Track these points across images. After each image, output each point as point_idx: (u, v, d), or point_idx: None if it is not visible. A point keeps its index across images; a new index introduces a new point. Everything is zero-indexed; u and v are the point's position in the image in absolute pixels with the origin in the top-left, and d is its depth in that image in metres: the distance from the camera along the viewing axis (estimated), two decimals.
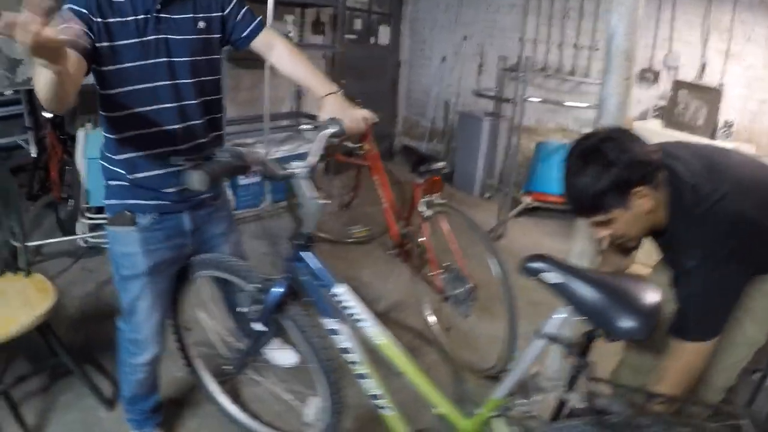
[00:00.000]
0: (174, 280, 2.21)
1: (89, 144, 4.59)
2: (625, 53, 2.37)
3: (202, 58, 1.93)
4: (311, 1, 6.22)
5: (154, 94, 1.82)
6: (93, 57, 1.66)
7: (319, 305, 1.83)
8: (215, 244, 2.23)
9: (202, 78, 1.95)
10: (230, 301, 2.44)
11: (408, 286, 3.77)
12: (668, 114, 5.33)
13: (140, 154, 1.88)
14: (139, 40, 1.75)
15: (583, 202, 1.75)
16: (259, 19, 2.09)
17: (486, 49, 7.35)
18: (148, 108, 1.82)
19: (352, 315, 1.84)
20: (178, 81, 1.86)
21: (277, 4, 4.88)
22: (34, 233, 4.43)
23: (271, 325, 1.99)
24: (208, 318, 2.58)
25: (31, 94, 5.52)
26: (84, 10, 1.62)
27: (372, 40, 7.98)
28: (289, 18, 5.99)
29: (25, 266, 2.65)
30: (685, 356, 1.78)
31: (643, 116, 5.58)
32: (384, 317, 3.64)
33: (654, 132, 5.00)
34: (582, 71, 6.40)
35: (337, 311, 1.77)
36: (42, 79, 1.36)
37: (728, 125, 5.16)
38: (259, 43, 2.08)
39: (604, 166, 1.65)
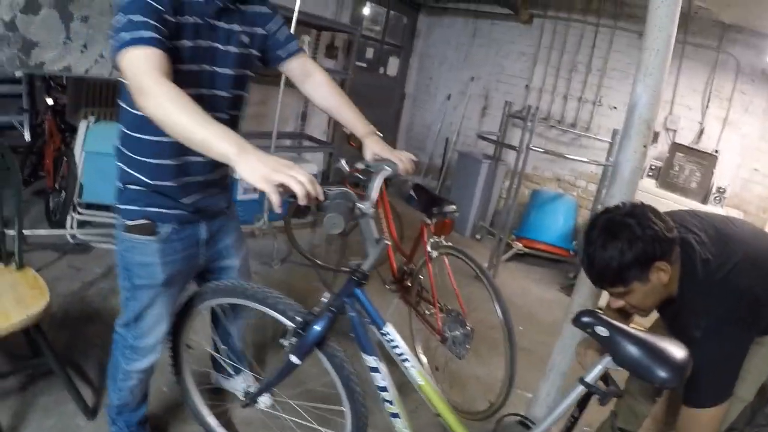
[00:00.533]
0: (182, 292, 2.18)
1: (90, 137, 4.53)
2: (646, 122, 2.42)
3: (240, 72, 1.94)
4: (329, 25, 6.29)
5: (200, 101, 1.78)
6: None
7: (362, 342, 1.83)
8: (226, 255, 2.23)
9: (235, 92, 1.95)
10: (225, 326, 2.42)
11: (402, 322, 3.76)
12: (663, 174, 5.43)
13: (168, 162, 1.84)
14: (193, 43, 1.74)
15: (606, 275, 1.78)
16: (297, 41, 2.09)
17: (491, 93, 7.51)
18: None
19: (400, 355, 1.90)
20: (215, 91, 1.87)
21: (297, 23, 4.92)
22: (23, 221, 4.36)
23: (306, 359, 1.97)
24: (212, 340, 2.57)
25: (32, 76, 5.50)
26: (159, 6, 1.57)
27: (381, 69, 8.10)
28: (306, 39, 6.03)
29: (18, 259, 2.55)
30: (705, 421, 1.80)
31: None
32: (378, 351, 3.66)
33: (647, 191, 5.09)
34: (584, 125, 6.57)
35: (376, 349, 1.77)
36: (191, 135, 1.40)
37: (721, 191, 5.29)
38: (294, 67, 2.09)
39: (630, 241, 1.69)
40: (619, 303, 1.87)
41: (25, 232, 2.97)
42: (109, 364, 2.26)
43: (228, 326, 2.43)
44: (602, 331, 1.61)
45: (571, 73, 6.69)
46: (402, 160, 1.92)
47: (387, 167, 1.88)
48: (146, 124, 1.68)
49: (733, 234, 1.96)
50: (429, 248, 3.26)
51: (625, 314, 2.20)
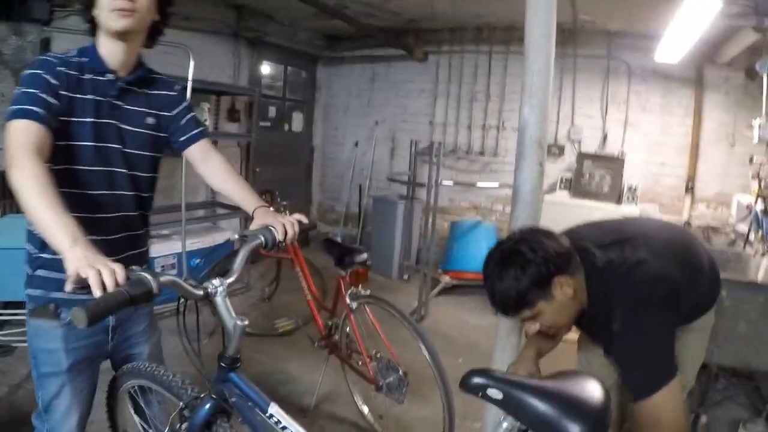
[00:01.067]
0: (94, 381, 2.08)
1: None
2: (537, 142, 2.46)
3: (145, 153, 1.93)
4: (228, 90, 6.29)
5: (93, 179, 1.79)
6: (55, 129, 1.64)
7: (251, 425, 1.68)
8: (135, 342, 2.14)
9: (140, 173, 1.93)
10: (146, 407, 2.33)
11: (337, 377, 3.71)
12: (575, 184, 5.58)
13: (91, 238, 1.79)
14: (95, 120, 1.76)
15: (509, 304, 1.80)
16: (202, 128, 2.09)
17: (397, 134, 7.63)
18: (87, 191, 1.79)
19: None
20: (115, 169, 1.84)
21: (193, 91, 4.88)
22: None
23: None
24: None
25: None
26: (55, 81, 1.64)
27: (286, 126, 8.11)
28: (205, 105, 6.00)
29: None
30: (660, 402, 1.72)
31: (551, 189, 5.82)
32: (316, 410, 3.60)
33: (562, 203, 5.22)
34: (491, 151, 6.75)
35: (270, 430, 1.67)
36: (39, 223, 1.42)
37: (632, 189, 5.50)
38: (194, 151, 2.06)
39: (522, 267, 1.72)
40: (535, 327, 1.87)
41: None
42: None
43: (146, 409, 2.33)
44: (495, 393, 1.42)
45: (471, 103, 6.87)
46: (284, 225, 1.83)
47: (260, 236, 1.78)
48: (64, 178, 1.69)
49: (634, 232, 2.02)
50: (348, 300, 3.25)
51: (548, 336, 2.18)
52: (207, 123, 5.98)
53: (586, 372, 1.75)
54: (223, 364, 1.68)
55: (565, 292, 1.77)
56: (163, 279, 1.38)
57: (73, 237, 1.35)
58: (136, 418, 2.22)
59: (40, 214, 1.39)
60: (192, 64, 4.68)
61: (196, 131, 2.05)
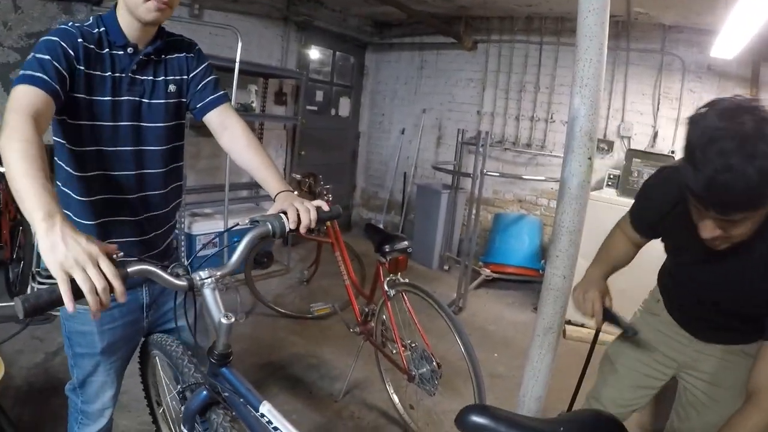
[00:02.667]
0: (129, 355, 2.10)
1: None
2: (587, 134, 2.37)
3: (170, 123, 1.86)
4: (275, 72, 6.28)
5: (118, 158, 1.74)
6: (62, 102, 1.55)
7: (246, 421, 1.59)
8: (168, 319, 2.11)
9: (167, 146, 1.87)
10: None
11: (370, 364, 3.70)
12: (623, 182, 5.43)
13: (95, 221, 1.76)
14: (113, 98, 1.68)
15: (738, 198, 1.34)
16: (221, 93, 1.95)
17: (444, 122, 7.52)
18: (111, 171, 1.74)
19: None
20: (143, 147, 1.79)
21: (241, 72, 4.89)
22: None
23: (194, 429, 1.81)
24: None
25: None
26: (71, 52, 1.56)
27: (333, 111, 8.09)
28: (252, 88, 6.02)
29: None
30: None
31: (598, 186, 5.67)
32: (346, 396, 3.59)
33: (609, 201, 5.09)
34: (538, 143, 6.58)
35: (264, 428, 1.58)
36: (15, 187, 1.26)
37: None
38: (213, 118, 1.93)
39: None
40: (717, 232, 1.47)
41: None
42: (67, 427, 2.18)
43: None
44: None
45: (520, 94, 6.72)
46: (299, 211, 1.64)
47: (267, 224, 1.60)
48: (74, 182, 1.67)
49: None
50: (386, 287, 3.21)
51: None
52: (254, 105, 6.01)
53: (604, 410, 1.62)
54: (213, 360, 1.60)
55: None
56: (131, 269, 1.29)
57: (47, 212, 1.17)
58: (164, 379, 2.24)
59: (19, 179, 1.24)
60: (240, 45, 4.69)
61: (213, 96, 1.92)
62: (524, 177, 5.85)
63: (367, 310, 3.55)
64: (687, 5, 4.98)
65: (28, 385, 3.35)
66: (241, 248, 1.55)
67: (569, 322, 4.77)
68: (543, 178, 5.83)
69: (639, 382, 2.12)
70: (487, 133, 5.50)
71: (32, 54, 1.51)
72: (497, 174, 5.73)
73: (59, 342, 3.91)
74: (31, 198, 1.19)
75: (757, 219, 1.40)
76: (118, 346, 1.97)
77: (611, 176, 5.69)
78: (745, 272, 1.58)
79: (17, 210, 4.81)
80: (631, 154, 5.49)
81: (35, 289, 4.28)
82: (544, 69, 6.53)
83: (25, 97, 1.43)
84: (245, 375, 1.59)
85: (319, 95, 7.78)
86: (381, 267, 3.32)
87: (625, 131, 5.98)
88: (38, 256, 4.38)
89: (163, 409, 2.42)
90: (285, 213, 1.61)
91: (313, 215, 1.63)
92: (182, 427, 1.79)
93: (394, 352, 3.24)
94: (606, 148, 6.03)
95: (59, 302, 1.10)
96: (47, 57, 1.50)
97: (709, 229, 1.46)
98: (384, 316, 3.34)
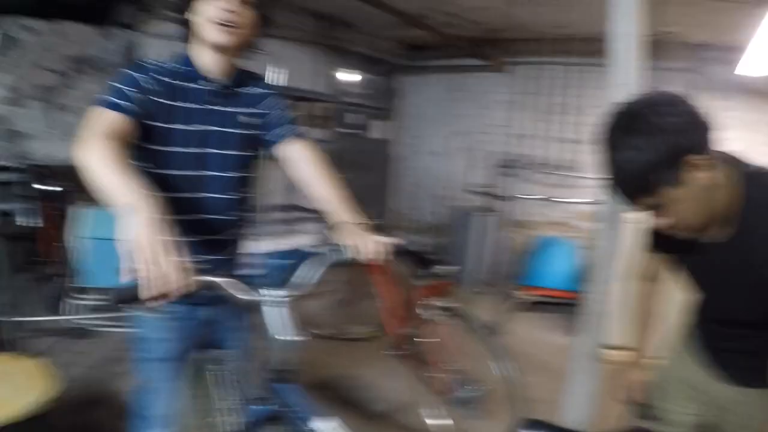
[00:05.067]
0: (190, 366, 2.17)
1: (85, 223, 4.56)
2: None
3: (240, 153, 1.93)
4: (309, 96, 6.35)
5: (186, 183, 1.83)
6: (135, 128, 1.66)
7: None
8: (228, 336, 2.20)
9: (235, 173, 1.93)
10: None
11: (409, 386, 3.68)
12: None
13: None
14: (187, 127, 1.78)
15: (627, 181, 1.45)
16: (295, 127, 2.00)
17: (476, 145, 7.54)
18: (178, 194, 1.81)
19: None
20: (209, 172, 1.87)
21: None
22: (20, 307, 4.28)
23: None
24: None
25: (27, 164, 5.61)
26: (146, 85, 1.68)
27: (366, 134, 8.16)
28: None
29: (20, 348, 2.72)
30: None
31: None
32: (385, 417, 3.58)
33: (643, 222, 5.04)
34: (569, 164, 6.56)
35: None
36: (103, 187, 1.39)
37: None
38: (285, 150, 1.98)
39: (649, 135, 1.36)
40: (661, 220, 1.52)
41: (26, 318, 2.95)
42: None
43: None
44: None
45: (550, 115, 6.74)
46: (367, 245, 1.70)
47: (336, 253, 1.69)
48: (155, 183, 1.73)
49: None
50: (426, 311, 3.21)
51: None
52: None
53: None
54: (270, 376, 1.65)
55: (699, 178, 1.39)
56: (203, 279, 1.35)
57: (135, 200, 1.31)
58: (217, 394, 2.29)
59: (102, 177, 1.38)
60: (276, 70, 4.75)
61: (286, 131, 1.98)
62: (556, 199, 5.84)
63: (406, 332, 3.55)
64: (715, 23, 4.98)
65: (69, 397, 3.39)
66: (310, 275, 1.63)
67: (608, 346, 4.70)
68: (575, 200, 5.80)
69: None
70: (520, 156, 5.50)
71: (112, 83, 1.65)
72: (528, 197, 5.71)
73: (100, 356, 4.05)
74: (116, 190, 1.34)
75: (680, 198, 1.42)
76: (179, 355, 2.06)
77: None
78: (747, 267, 1.51)
79: (60, 227, 4.93)
80: None
81: (75, 305, 4.49)
82: (572, 90, 6.55)
83: (101, 117, 1.57)
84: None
85: (352, 118, 7.86)
86: (420, 291, 3.32)
87: None
88: (78, 272, 4.48)
89: (212, 422, 2.46)
90: (354, 245, 1.67)
91: (381, 248, 1.69)
92: None
93: (433, 374, 3.24)
94: None
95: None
96: (123, 86, 1.63)
97: (654, 220, 1.53)
98: (423, 339, 3.34)
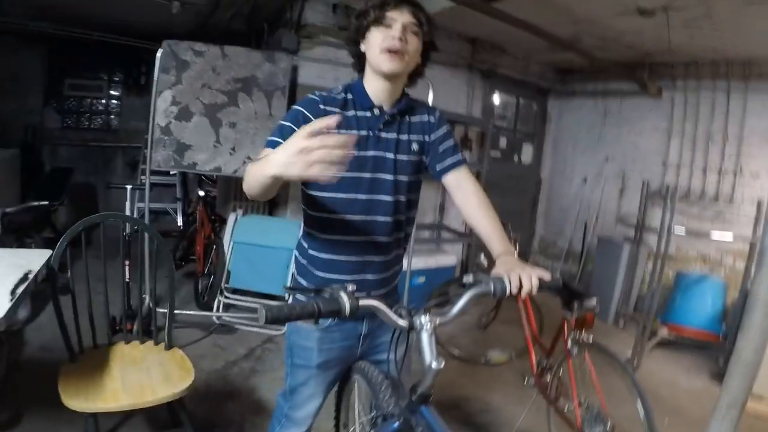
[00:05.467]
0: (339, 376, 2.30)
1: (238, 228, 4.94)
2: None
3: (408, 178, 2.02)
4: (461, 120, 6.49)
5: (356, 206, 1.94)
6: None
7: None
8: (383, 350, 2.26)
9: (402, 197, 2.02)
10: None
11: (539, 417, 3.65)
12: None
13: (331, 257, 2.00)
14: (360, 153, 1.88)
15: None
16: (459, 157, 2.09)
17: (628, 172, 7.34)
18: (344, 216, 1.94)
19: None
20: (379, 197, 1.96)
21: None
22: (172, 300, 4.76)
23: None
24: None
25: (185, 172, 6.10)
26: (312, 118, 1.79)
27: (515, 158, 8.18)
28: None
29: (167, 340, 2.85)
30: None
31: None
32: None
33: None
34: (726, 197, 6.21)
35: None
36: (256, 179, 1.51)
37: None
38: (450, 180, 2.07)
39: None
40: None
41: (175, 311, 3.21)
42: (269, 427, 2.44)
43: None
44: None
45: (708, 144, 6.39)
46: (521, 279, 1.69)
47: (491, 285, 1.67)
48: (314, 222, 1.98)
49: None
50: (569, 344, 3.19)
51: None
52: None
53: None
54: (413, 398, 1.70)
55: None
56: (362, 303, 1.42)
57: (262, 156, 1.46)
58: (358, 404, 2.39)
59: (251, 171, 1.55)
60: (431, 94, 4.87)
61: (452, 160, 2.06)
62: (713, 236, 5.56)
63: (545, 363, 3.53)
64: None
65: (206, 388, 3.71)
66: (462, 303, 1.65)
67: (757, 398, 4.42)
68: (731, 239, 5.50)
69: None
70: (676, 188, 5.28)
71: (280, 122, 1.84)
72: (683, 234, 5.46)
73: (239, 353, 4.36)
74: (263, 166, 1.43)
75: None
76: (331, 365, 2.18)
77: None
78: None
79: (213, 230, 5.29)
80: None
81: (221, 303, 4.84)
82: (732, 117, 6.17)
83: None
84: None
85: (503, 142, 7.91)
86: (566, 323, 3.29)
87: None
88: (228, 273, 4.81)
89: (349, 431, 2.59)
90: (506, 278, 1.68)
91: (535, 283, 1.68)
92: None
93: (567, 409, 3.20)
94: None
95: (295, 317, 1.29)
96: (288, 123, 1.80)
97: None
98: (562, 372, 3.32)
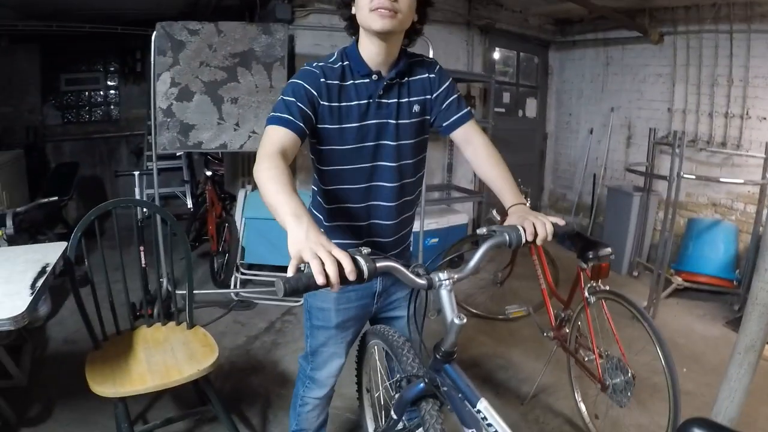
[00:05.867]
0: (357, 334, 2.36)
1: (248, 204, 4.96)
2: None
3: (415, 140, 2.02)
4: (463, 77, 6.51)
5: (360, 175, 1.96)
6: (308, 134, 1.82)
7: (459, 415, 1.70)
8: (396, 306, 2.33)
9: (408, 160, 2.03)
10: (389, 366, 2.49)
11: (559, 369, 3.68)
12: None
13: (339, 223, 2.05)
14: (360, 124, 1.89)
15: None
16: (465, 111, 2.06)
17: (634, 121, 7.29)
18: (351, 186, 1.98)
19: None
20: (383, 163, 1.97)
21: None
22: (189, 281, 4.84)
23: (402, 418, 2.02)
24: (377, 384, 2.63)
25: (190, 154, 6.11)
26: (314, 92, 1.81)
27: (520, 113, 8.15)
28: None
29: (189, 318, 2.89)
30: None
31: None
32: (533, 399, 3.64)
33: None
34: (734, 142, 6.15)
35: (477, 423, 1.62)
36: (270, 203, 1.51)
37: None
38: (458, 135, 2.06)
39: None
40: None
41: (194, 291, 3.25)
42: (293, 392, 2.53)
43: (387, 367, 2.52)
44: None
45: (713, 88, 6.31)
46: (536, 225, 1.69)
47: (505, 235, 1.66)
48: (324, 196, 2.02)
49: None
50: (586, 294, 3.20)
51: None
52: None
53: None
54: (437, 356, 1.72)
55: None
56: (380, 264, 1.40)
57: (296, 214, 1.39)
58: (379, 367, 2.47)
59: (269, 197, 1.50)
60: (432, 53, 4.84)
61: (458, 115, 2.04)
62: (722, 180, 5.54)
63: (563, 315, 3.55)
64: None
65: (230, 364, 3.79)
66: (478, 255, 1.66)
67: None
68: (742, 181, 5.47)
69: None
70: (683, 133, 5.24)
71: (281, 96, 1.80)
72: (693, 177, 5.42)
73: (260, 327, 4.44)
74: (283, 207, 1.45)
75: None
76: (349, 324, 2.25)
77: None
78: None
79: (223, 208, 5.32)
80: None
81: (238, 279, 4.91)
82: (737, 60, 6.07)
83: (275, 135, 1.72)
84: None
85: (506, 97, 7.87)
86: (582, 273, 3.29)
87: None
88: (242, 249, 4.85)
89: (372, 395, 2.65)
90: (520, 226, 1.69)
91: (550, 229, 1.69)
92: (393, 413, 2.00)
93: (588, 359, 3.23)
94: None
95: (314, 287, 1.26)
96: (292, 99, 1.77)
97: None
98: (580, 323, 3.34)
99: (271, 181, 1.53)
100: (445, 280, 1.59)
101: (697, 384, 3.80)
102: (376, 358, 2.50)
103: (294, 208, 1.41)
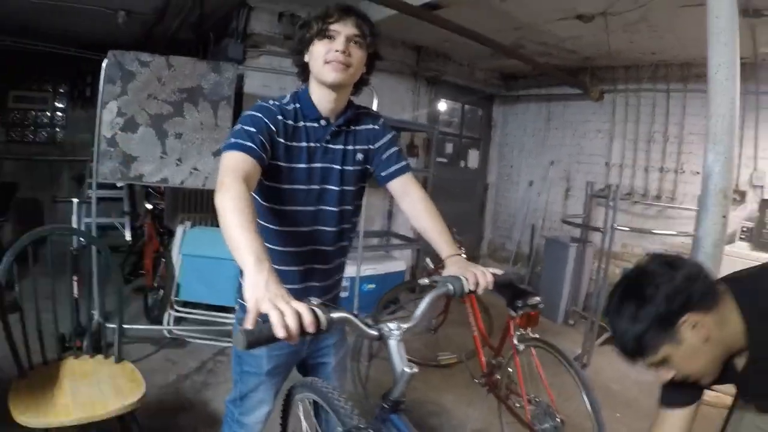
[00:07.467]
0: (285, 379, 2.30)
1: (186, 241, 4.89)
2: (722, 192, 2.36)
3: (356, 187, 2.06)
4: (408, 126, 6.60)
5: (303, 217, 1.96)
6: (264, 168, 1.80)
7: None
8: (326, 353, 2.31)
9: (347, 207, 2.05)
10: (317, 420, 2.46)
11: (491, 415, 3.70)
12: (756, 235, 5.19)
13: (278, 267, 1.95)
14: (308, 165, 1.91)
15: (626, 346, 1.53)
16: (404, 164, 2.10)
17: (573, 174, 7.52)
18: (293, 228, 1.97)
19: None
20: (324, 207, 1.99)
21: None
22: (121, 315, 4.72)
23: None
24: None
25: (132, 185, 6.02)
26: (273, 128, 1.83)
27: (462, 163, 8.28)
28: None
29: (117, 353, 2.81)
30: None
31: (730, 240, 5.34)
32: None
33: (743, 256, 4.87)
34: (668, 195, 6.43)
35: None
36: (230, 240, 1.47)
37: None
38: (395, 186, 2.09)
39: (639, 306, 1.46)
40: (666, 374, 1.58)
41: (125, 326, 3.18)
42: None
43: (316, 422, 2.47)
44: None
45: (649, 144, 6.61)
46: (477, 276, 1.74)
47: (449, 285, 1.71)
48: (265, 233, 1.92)
49: None
50: (516, 341, 3.25)
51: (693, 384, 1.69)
52: None
53: None
54: (385, 405, 1.70)
55: (697, 334, 1.44)
56: (335, 315, 1.39)
57: (258, 258, 1.37)
58: (305, 425, 2.34)
59: (231, 230, 1.46)
60: (376, 101, 4.91)
61: (397, 166, 2.08)
62: (655, 232, 5.71)
63: (494, 362, 3.58)
64: None
65: (158, 402, 3.66)
66: (424, 305, 1.68)
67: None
68: (674, 232, 5.64)
69: None
70: (618, 186, 5.41)
71: (239, 125, 1.80)
72: (628, 229, 5.59)
73: (191, 366, 4.31)
74: (245, 246, 1.42)
75: (682, 354, 1.48)
76: (280, 369, 2.21)
77: (744, 229, 5.43)
78: None
79: (161, 243, 5.24)
80: (766, 204, 5.23)
81: (171, 316, 4.81)
82: (673, 117, 6.40)
83: (236, 161, 1.70)
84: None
85: (449, 147, 8.03)
86: (512, 321, 3.34)
87: (757, 180, 5.68)
88: (178, 286, 4.76)
89: None
90: (461, 277, 1.73)
91: (490, 279, 1.74)
92: None
93: (518, 405, 3.26)
94: (738, 198, 5.71)
95: (273, 339, 1.24)
96: (253, 129, 1.77)
97: (660, 375, 1.62)
98: (511, 370, 3.38)
99: (235, 213, 1.50)
100: (395, 330, 1.60)
101: (630, 429, 3.87)
102: (301, 414, 2.46)
103: (257, 251, 1.39)
